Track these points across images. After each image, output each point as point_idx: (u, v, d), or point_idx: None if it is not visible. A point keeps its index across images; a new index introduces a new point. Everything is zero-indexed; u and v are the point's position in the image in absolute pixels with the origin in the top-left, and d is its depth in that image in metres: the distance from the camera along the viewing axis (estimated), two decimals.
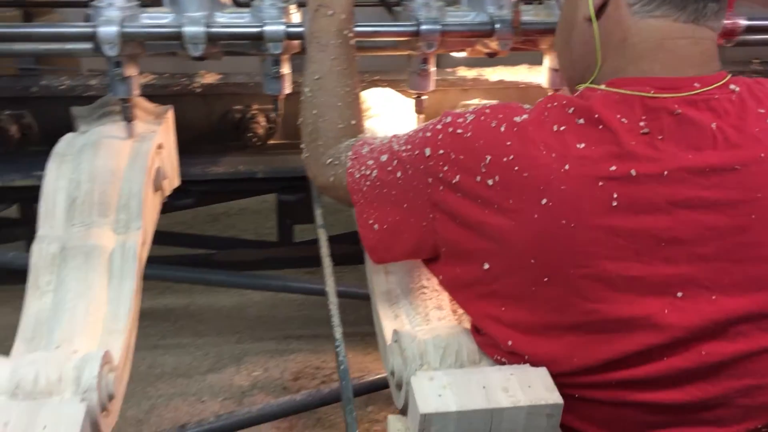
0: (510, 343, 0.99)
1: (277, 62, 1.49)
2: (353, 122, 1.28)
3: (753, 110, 0.95)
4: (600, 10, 1.01)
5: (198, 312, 2.81)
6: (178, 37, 1.42)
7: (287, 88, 1.52)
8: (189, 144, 1.89)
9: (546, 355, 0.98)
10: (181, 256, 2.75)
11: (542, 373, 0.96)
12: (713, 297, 0.93)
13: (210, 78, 1.88)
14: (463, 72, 1.96)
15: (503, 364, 1.02)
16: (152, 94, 1.83)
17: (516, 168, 0.94)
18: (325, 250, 1.48)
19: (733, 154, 0.92)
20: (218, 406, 2.26)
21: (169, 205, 2.06)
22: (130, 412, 2.31)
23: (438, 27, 1.46)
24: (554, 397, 0.92)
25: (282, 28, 1.43)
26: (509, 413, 0.91)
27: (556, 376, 0.97)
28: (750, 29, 1.50)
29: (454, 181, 0.99)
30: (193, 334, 2.69)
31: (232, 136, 1.88)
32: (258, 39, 1.44)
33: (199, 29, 1.41)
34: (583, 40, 1.04)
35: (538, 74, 1.78)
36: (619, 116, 0.93)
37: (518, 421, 0.92)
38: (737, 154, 0.92)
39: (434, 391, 0.93)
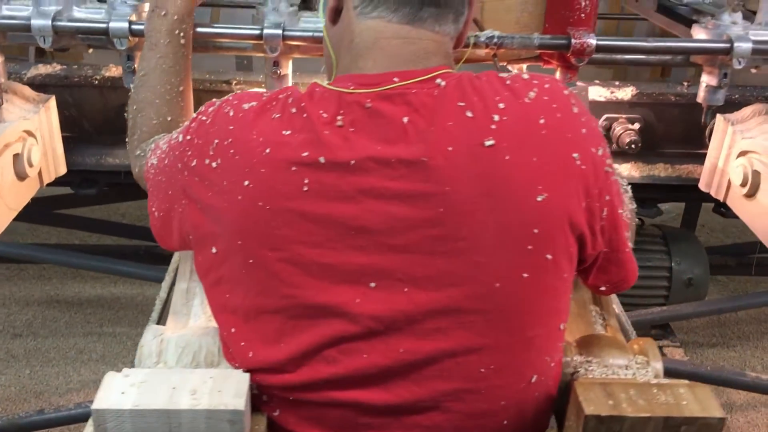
0: (233, 330, 1.00)
1: (130, 57, 1.52)
2: (169, 119, 1.32)
3: (452, 103, 0.92)
4: (338, 15, 1.04)
5: (143, 303, 2.85)
6: (28, 29, 1.47)
7: None
8: (87, 135, 1.94)
9: (258, 341, 0.97)
10: (122, 247, 2.82)
11: (241, 378, 0.95)
12: (405, 289, 0.92)
13: (114, 71, 1.92)
14: None
15: (234, 364, 1.01)
16: (51, 83, 1.89)
17: (232, 151, 0.96)
18: None
19: (422, 146, 0.91)
20: None
21: (72, 195, 2.12)
22: (46, 395, 2.37)
23: (279, 32, 1.46)
24: (236, 404, 0.90)
25: (125, 25, 1.46)
26: (188, 416, 0.90)
27: (267, 377, 0.97)
28: (601, 49, 1.46)
29: (192, 165, 1.00)
30: (130, 324, 2.72)
31: None
32: (104, 34, 1.47)
33: (45, 23, 1.46)
34: (328, 42, 1.05)
35: None
36: (321, 110, 0.94)
37: (199, 424, 0.91)
38: (426, 146, 0.91)
39: (120, 388, 0.92)
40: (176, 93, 1.32)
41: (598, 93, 1.93)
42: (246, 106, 0.99)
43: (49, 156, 1.73)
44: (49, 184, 1.77)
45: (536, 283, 0.94)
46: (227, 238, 0.96)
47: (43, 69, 1.91)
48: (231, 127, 0.97)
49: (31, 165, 1.62)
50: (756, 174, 1.64)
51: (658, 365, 1.09)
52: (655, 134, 1.95)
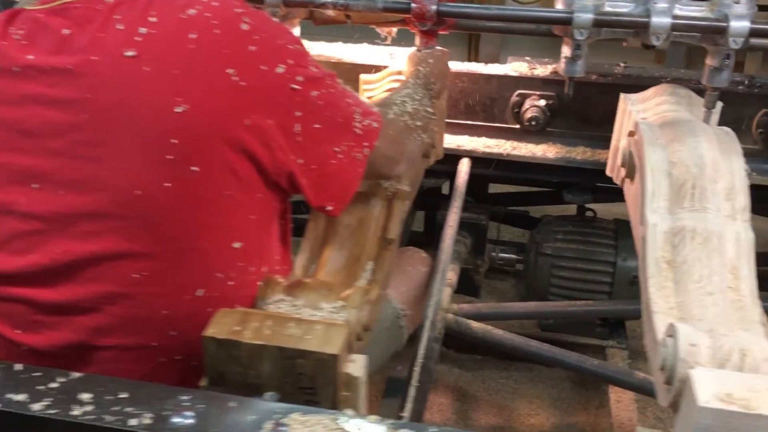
0: None
1: None
2: None
3: (110, 17, 0.98)
4: None
5: None
6: None
7: None
8: None
9: None
10: None
11: None
12: (61, 192, 0.99)
13: None
14: None
15: None
16: None
17: None
18: None
19: (75, 57, 0.98)
20: None
21: None
22: None
23: None
24: None
25: None
26: None
27: None
28: (444, 14, 1.44)
29: None
30: None
31: None
32: None
33: None
34: None
35: (350, 50, 1.86)
36: (11, 26, 1.04)
37: None
38: (78, 57, 0.97)
39: None
40: None
41: (514, 68, 1.88)
42: None
43: None
44: None
45: (182, 194, 0.98)
46: None
47: None
48: None
49: None
50: (631, 156, 1.54)
51: (354, 312, 1.07)
52: (573, 114, 1.87)
